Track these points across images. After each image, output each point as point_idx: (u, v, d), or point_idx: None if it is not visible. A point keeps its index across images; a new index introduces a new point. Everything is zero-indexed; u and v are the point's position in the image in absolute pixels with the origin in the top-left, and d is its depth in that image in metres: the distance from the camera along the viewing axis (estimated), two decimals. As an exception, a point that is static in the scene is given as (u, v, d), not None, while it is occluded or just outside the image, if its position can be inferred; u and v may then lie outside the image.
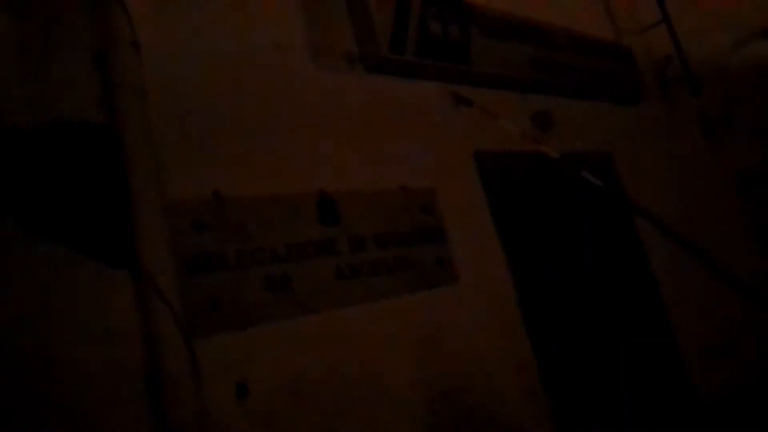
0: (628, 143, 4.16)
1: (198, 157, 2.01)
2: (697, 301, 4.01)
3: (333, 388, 2.12)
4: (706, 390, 3.74)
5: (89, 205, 1.70)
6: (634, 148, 4.20)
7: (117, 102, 1.80)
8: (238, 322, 1.93)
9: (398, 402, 2.29)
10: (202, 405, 1.77)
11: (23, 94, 1.68)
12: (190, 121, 2.02)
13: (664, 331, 3.76)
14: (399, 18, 2.75)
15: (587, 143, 3.83)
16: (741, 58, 5.77)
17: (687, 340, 3.81)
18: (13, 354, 1.50)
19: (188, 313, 1.82)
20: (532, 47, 3.50)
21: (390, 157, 2.61)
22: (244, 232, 2.04)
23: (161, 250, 1.80)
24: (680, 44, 4.79)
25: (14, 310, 1.55)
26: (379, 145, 2.59)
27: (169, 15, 2.05)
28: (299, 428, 1.97)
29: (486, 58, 3.17)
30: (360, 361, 2.23)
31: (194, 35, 2.12)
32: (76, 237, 1.66)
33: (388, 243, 2.45)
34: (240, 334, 1.93)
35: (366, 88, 2.64)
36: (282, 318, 2.04)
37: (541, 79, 3.54)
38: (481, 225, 2.92)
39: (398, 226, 2.51)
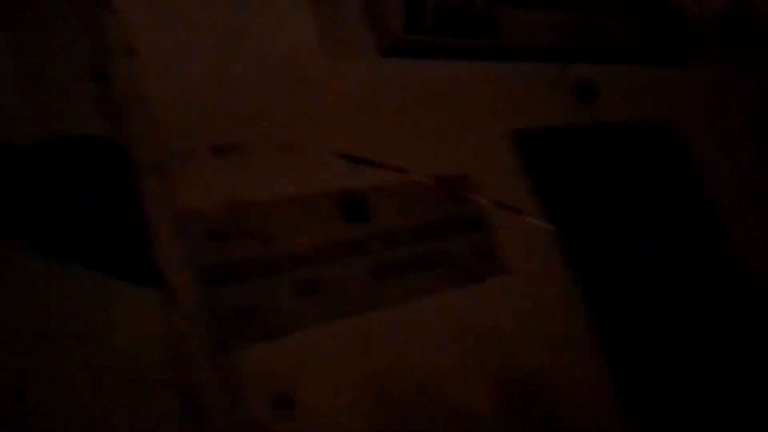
0: (686, 108, 4.01)
1: (214, 163, 2.04)
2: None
3: (383, 393, 2.11)
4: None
5: (103, 221, 1.74)
6: (695, 113, 4.04)
7: (119, 112, 1.85)
8: (269, 331, 1.94)
9: (460, 397, 2.26)
10: (240, 419, 1.78)
11: (22, 112, 1.74)
12: (201, 127, 2.05)
13: (755, 315, 3.58)
14: (413, -5, 2.74)
15: (640, 112, 3.71)
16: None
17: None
18: (32, 380, 1.54)
19: (216, 326, 1.84)
20: (566, 13, 3.42)
21: (418, 144, 2.59)
22: (268, 237, 2.05)
23: (179, 262, 1.82)
24: (737, -7, 4.62)
25: (32, 333, 1.59)
26: (405, 134, 2.57)
27: (167, 18, 2.10)
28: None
29: (515, 29, 3.12)
30: (408, 363, 2.20)
31: (198, 36, 2.17)
32: (94, 254, 1.70)
33: (423, 237, 2.42)
34: (274, 343, 1.94)
35: (384, 74, 2.64)
36: (317, 323, 2.04)
37: (579, 47, 3.46)
38: (526, 209, 2.86)
39: (434, 219, 2.48)
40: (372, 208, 2.32)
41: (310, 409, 1.89)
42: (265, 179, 2.15)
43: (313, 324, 2.02)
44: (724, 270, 3.58)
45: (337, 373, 2.00)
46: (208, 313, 1.83)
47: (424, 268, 2.38)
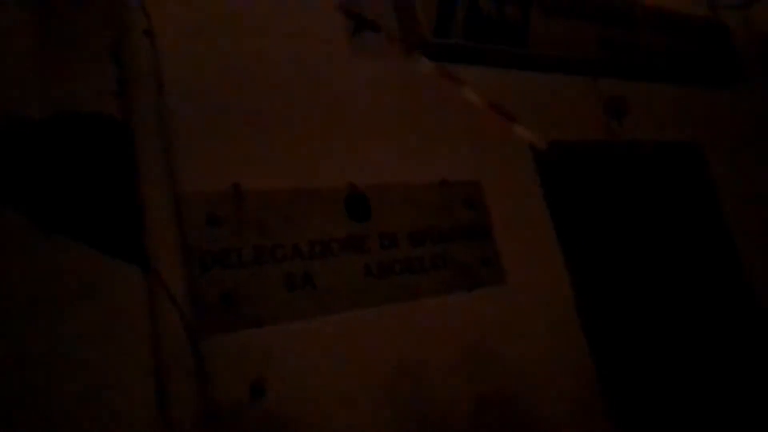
0: (720, 132, 3.74)
1: (218, 150, 1.97)
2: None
3: (360, 391, 2.02)
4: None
5: (99, 199, 1.70)
6: (729, 138, 3.76)
7: (130, 93, 1.79)
8: (255, 320, 1.88)
9: (439, 404, 2.16)
10: (209, 404, 1.72)
11: (38, 87, 1.70)
12: (210, 111, 1.99)
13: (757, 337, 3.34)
14: (445, -1, 2.59)
15: (670, 132, 3.48)
16: None
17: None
18: (18, 346, 1.52)
19: (201, 310, 1.79)
20: (603, 26, 3.21)
21: (430, 148, 2.47)
22: (264, 227, 1.98)
23: (172, 244, 1.77)
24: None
25: (21, 301, 1.56)
26: (418, 136, 2.46)
27: (187, 2, 2.03)
28: (318, 433, 1.90)
29: (547, 39, 2.94)
30: (392, 363, 2.11)
31: (215, 23, 2.09)
32: (86, 230, 1.66)
33: (424, 240, 2.31)
34: (256, 332, 1.88)
35: (406, 74, 2.50)
36: (302, 317, 1.97)
37: (614, 61, 3.25)
38: (535, 221, 2.71)
39: (436, 223, 2.36)
40: (374, 207, 2.21)
41: (280, 399, 1.82)
42: (272, 169, 2.08)
43: (299, 317, 1.95)
44: (734, 294, 3.35)
45: (311, 366, 1.91)
46: (195, 296, 1.77)
47: (423, 272, 2.28)
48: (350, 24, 2.03)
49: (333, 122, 2.24)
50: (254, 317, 1.88)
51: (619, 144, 3.17)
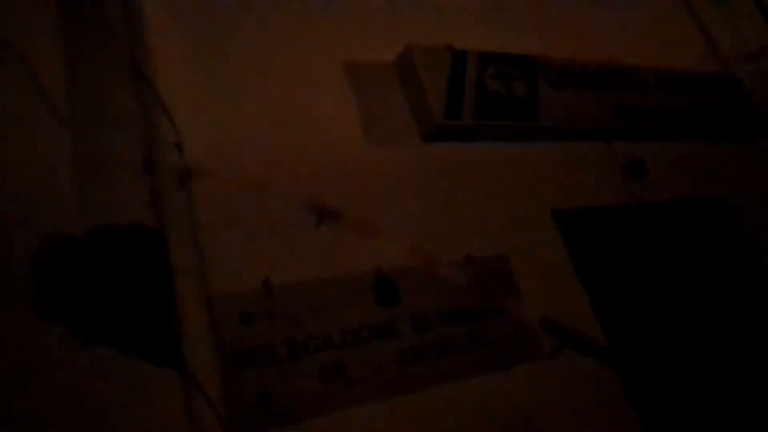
0: (746, 185, 3.71)
1: (246, 247, 2.04)
2: None
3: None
4: None
5: (137, 306, 1.76)
6: (756, 190, 3.72)
7: (162, 203, 1.88)
8: (291, 417, 1.87)
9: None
10: None
11: (76, 203, 1.80)
12: (237, 212, 2.07)
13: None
14: (453, 82, 2.70)
15: (692, 189, 3.46)
16: None
17: None
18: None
19: (237, 410, 1.79)
20: (613, 93, 3.28)
21: (454, 226, 2.50)
22: (295, 320, 2.00)
23: (206, 346, 1.80)
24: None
25: (64, 413, 1.60)
26: (441, 215, 2.50)
27: (213, 110, 2.16)
28: None
29: (558, 111, 3.01)
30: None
31: (242, 129, 2.22)
32: (124, 339, 1.71)
33: (456, 320, 2.30)
34: (293, 429, 1.87)
35: (423, 158, 2.59)
36: (338, 409, 1.95)
37: (628, 126, 3.29)
38: (567, 291, 2.68)
39: (467, 300, 2.36)
40: (402, 289, 2.22)
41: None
42: (300, 261, 2.12)
43: (335, 409, 1.93)
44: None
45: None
46: (231, 397, 1.78)
47: (457, 352, 2.25)
48: (315, 217, 2.16)
49: (358, 211, 2.30)
50: (290, 413, 1.87)
51: (638, 204, 3.16)
